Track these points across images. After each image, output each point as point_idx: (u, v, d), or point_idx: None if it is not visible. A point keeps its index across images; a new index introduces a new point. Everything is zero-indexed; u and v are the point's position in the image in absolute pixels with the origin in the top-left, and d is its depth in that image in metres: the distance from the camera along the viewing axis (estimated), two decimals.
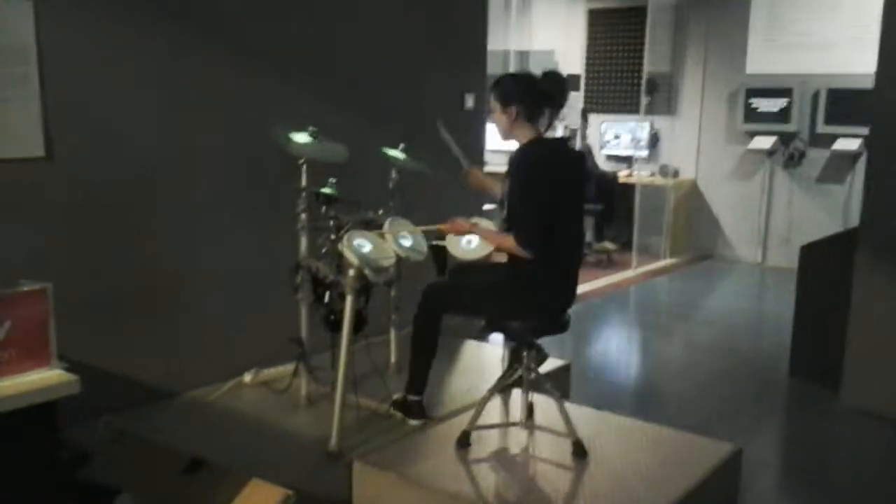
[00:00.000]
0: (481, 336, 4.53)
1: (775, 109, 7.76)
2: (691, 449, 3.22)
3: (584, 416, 3.34)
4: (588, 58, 8.95)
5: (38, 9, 3.05)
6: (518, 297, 3.04)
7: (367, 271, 3.13)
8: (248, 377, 3.76)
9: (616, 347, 5.85)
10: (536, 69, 3.27)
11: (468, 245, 3.36)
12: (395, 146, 3.77)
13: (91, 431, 3.14)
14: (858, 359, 4.26)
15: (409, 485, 2.89)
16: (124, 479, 2.87)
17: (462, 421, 3.19)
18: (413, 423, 3.32)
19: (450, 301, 3.25)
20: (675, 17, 8.36)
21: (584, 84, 8.95)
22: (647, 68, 8.04)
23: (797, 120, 7.69)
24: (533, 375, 3.16)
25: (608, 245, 8.05)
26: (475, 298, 3.21)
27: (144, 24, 3.41)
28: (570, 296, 3.12)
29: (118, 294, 3.42)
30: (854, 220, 5.83)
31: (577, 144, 8.08)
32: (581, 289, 3.23)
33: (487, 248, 3.37)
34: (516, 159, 3.04)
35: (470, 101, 5.12)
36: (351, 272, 3.12)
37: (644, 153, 8.46)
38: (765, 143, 7.82)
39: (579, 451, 3.05)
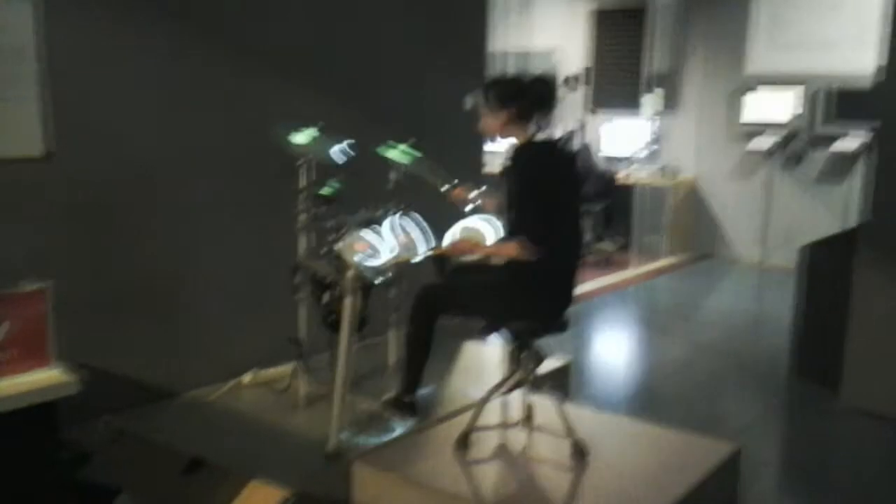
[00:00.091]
0: (480, 337, 4.52)
1: (776, 109, 7.76)
2: (691, 449, 3.22)
3: (583, 417, 3.34)
4: (589, 57, 8.94)
5: (37, 9, 3.05)
6: (517, 297, 3.04)
7: (366, 272, 3.12)
8: (247, 377, 3.76)
9: (616, 347, 5.85)
10: (537, 70, 3.27)
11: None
12: (394, 146, 3.75)
13: (91, 431, 3.14)
14: (858, 359, 4.26)
15: (409, 485, 2.89)
16: (124, 479, 2.87)
17: (462, 421, 3.19)
18: (406, 422, 3.32)
19: (448, 302, 3.25)
20: (675, 17, 8.36)
21: (585, 84, 8.94)
22: (647, 68, 8.03)
23: (797, 119, 7.68)
24: (532, 376, 3.16)
25: (607, 245, 8.05)
26: (474, 299, 3.21)
27: (144, 23, 3.42)
28: (569, 296, 3.12)
29: (118, 294, 3.43)
30: (854, 220, 5.84)
31: (577, 144, 8.08)
32: (581, 289, 3.23)
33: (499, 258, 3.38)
34: (514, 158, 3.04)
35: (470, 101, 5.10)
36: (350, 272, 3.12)
37: (644, 153, 8.46)
38: (764, 142, 7.82)
39: (579, 451, 3.05)
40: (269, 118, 3.56)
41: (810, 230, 6.64)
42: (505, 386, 3.24)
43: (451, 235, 3.44)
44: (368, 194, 3.44)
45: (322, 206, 3.36)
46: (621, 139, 8.66)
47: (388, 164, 3.68)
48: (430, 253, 3.33)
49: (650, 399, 4.57)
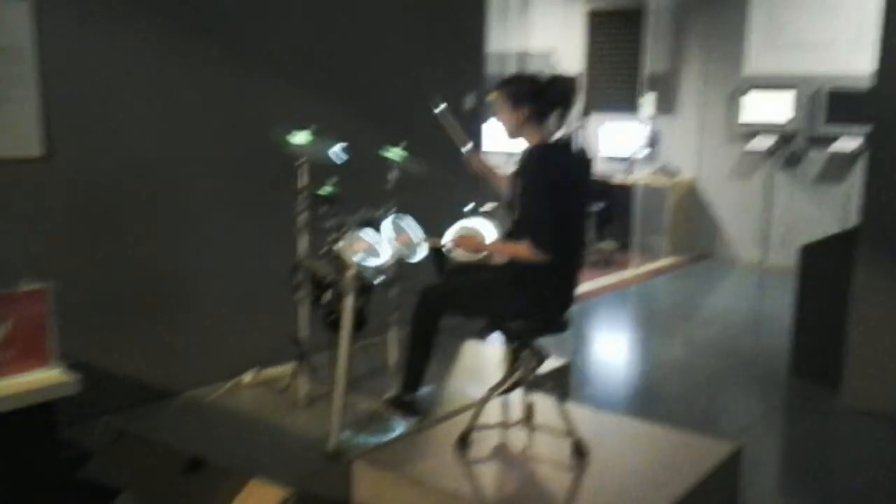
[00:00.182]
0: (481, 336, 4.52)
1: (774, 110, 7.76)
2: (691, 448, 3.23)
3: (584, 416, 3.34)
4: (586, 59, 8.94)
5: (36, 9, 3.05)
6: (518, 297, 3.04)
7: (365, 271, 3.12)
8: (247, 377, 3.76)
9: (616, 347, 5.85)
10: (535, 70, 3.27)
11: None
12: (392, 147, 3.76)
13: (91, 431, 3.14)
14: (858, 359, 4.26)
15: (409, 485, 2.89)
16: (124, 479, 2.87)
17: (462, 421, 3.19)
18: (407, 422, 3.31)
19: (449, 302, 3.25)
20: (673, 18, 8.36)
21: (583, 85, 8.94)
22: (644, 69, 8.04)
23: (796, 120, 7.69)
24: (532, 376, 3.16)
25: (607, 245, 8.06)
26: (475, 299, 3.21)
27: (144, 23, 3.41)
28: (569, 297, 3.12)
29: (118, 294, 3.42)
30: (853, 220, 5.84)
31: (577, 145, 8.07)
32: (581, 289, 3.22)
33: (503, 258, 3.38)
34: (525, 161, 3.04)
35: (469, 102, 5.11)
36: (350, 272, 3.12)
37: (643, 154, 8.46)
38: (764, 143, 7.83)
39: (579, 450, 3.06)
40: (269, 118, 3.55)
41: (810, 230, 6.66)
42: (505, 385, 3.24)
43: (451, 235, 3.44)
44: (368, 194, 3.45)
45: (322, 206, 3.35)
46: (619, 140, 8.66)
47: (388, 164, 3.68)
48: (435, 246, 3.32)
49: (650, 399, 4.57)
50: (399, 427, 3.31)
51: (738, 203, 8.21)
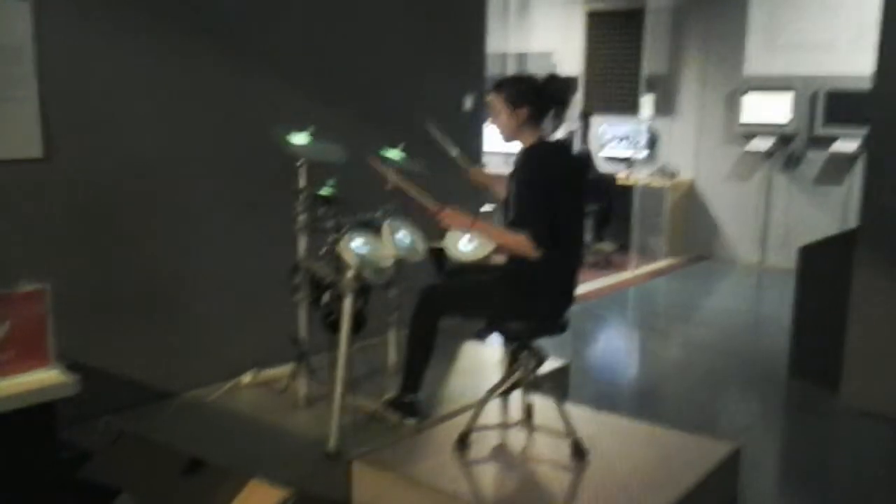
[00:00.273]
0: (480, 337, 4.52)
1: (774, 110, 7.77)
2: (691, 449, 3.23)
3: (583, 417, 3.34)
4: (586, 59, 8.95)
5: (36, 9, 3.05)
6: (517, 298, 3.04)
7: (365, 272, 3.13)
8: (247, 377, 3.76)
9: (615, 348, 5.85)
10: (535, 71, 3.27)
11: (467, 246, 3.35)
12: (393, 147, 3.76)
13: (91, 431, 3.14)
14: (858, 359, 4.26)
15: (409, 485, 2.89)
16: (124, 479, 2.86)
17: (461, 421, 3.19)
18: (406, 422, 3.32)
19: (449, 302, 3.25)
20: (673, 19, 8.37)
21: (583, 86, 8.94)
22: (644, 70, 8.05)
23: (795, 121, 7.70)
24: (532, 376, 3.16)
25: (606, 246, 8.06)
26: (474, 299, 3.21)
27: (144, 23, 3.42)
28: (569, 297, 3.12)
29: (118, 294, 3.42)
30: (852, 221, 5.85)
31: (576, 146, 8.09)
32: (580, 289, 3.22)
33: (486, 249, 3.37)
34: (522, 161, 3.04)
35: (469, 103, 5.12)
36: (349, 273, 3.12)
37: (642, 154, 8.47)
38: (763, 144, 7.83)
39: (578, 451, 3.06)
40: (269, 118, 3.56)
41: (809, 231, 6.66)
42: (504, 386, 3.24)
43: (451, 237, 3.44)
44: (368, 195, 3.44)
45: (321, 207, 3.36)
46: (619, 141, 8.67)
47: (388, 164, 3.68)
48: (429, 205, 3.29)
49: (649, 399, 4.58)
50: (399, 427, 3.30)
51: (738, 204, 8.21)
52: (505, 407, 3.49)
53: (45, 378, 2.43)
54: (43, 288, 2.45)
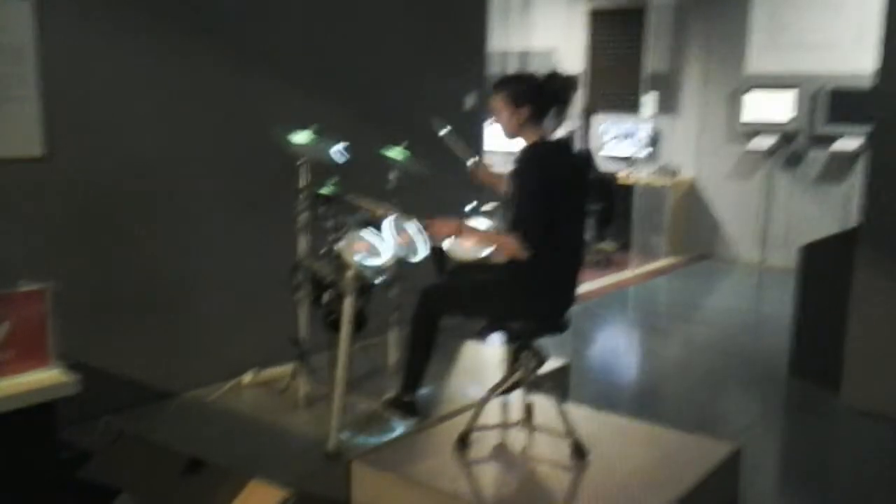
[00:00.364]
0: (481, 337, 4.52)
1: (775, 109, 7.76)
2: (691, 449, 3.22)
3: (583, 417, 3.34)
4: (588, 58, 8.94)
5: (37, 9, 3.05)
6: (518, 297, 3.04)
7: (365, 272, 3.12)
8: (247, 377, 3.76)
9: (615, 348, 5.85)
10: (537, 69, 3.26)
11: (466, 244, 3.34)
12: (394, 146, 3.76)
13: (91, 431, 3.14)
14: (858, 359, 4.26)
15: (409, 485, 2.89)
16: (124, 479, 2.87)
17: (461, 421, 3.19)
18: (407, 422, 3.32)
19: (449, 302, 3.25)
20: (675, 18, 8.36)
21: (585, 84, 8.94)
22: (646, 68, 8.05)
23: (797, 120, 7.69)
24: (532, 376, 3.16)
25: (607, 245, 8.06)
26: (475, 299, 3.20)
27: (144, 24, 3.42)
28: (570, 297, 3.12)
29: (118, 294, 3.43)
30: (854, 220, 5.84)
31: (577, 145, 8.09)
32: (580, 289, 3.22)
33: (486, 249, 3.36)
34: (522, 159, 3.03)
35: (470, 102, 5.11)
36: (350, 272, 3.12)
37: (644, 153, 8.46)
38: (764, 143, 7.82)
39: (578, 451, 3.05)
40: (269, 118, 3.56)
41: (810, 230, 6.65)
42: (505, 386, 3.24)
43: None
44: (368, 194, 3.45)
45: (322, 206, 3.35)
46: (620, 140, 8.67)
47: (389, 163, 3.68)
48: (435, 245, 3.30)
49: (650, 399, 4.57)
50: (399, 427, 3.31)
51: (739, 203, 8.21)
52: (505, 407, 3.49)
53: (45, 378, 2.44)
54: (43, 288, 2.46)
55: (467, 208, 3.51)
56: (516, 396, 3.31)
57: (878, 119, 4.20)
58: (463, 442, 3.11)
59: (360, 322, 3.23)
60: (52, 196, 3.18)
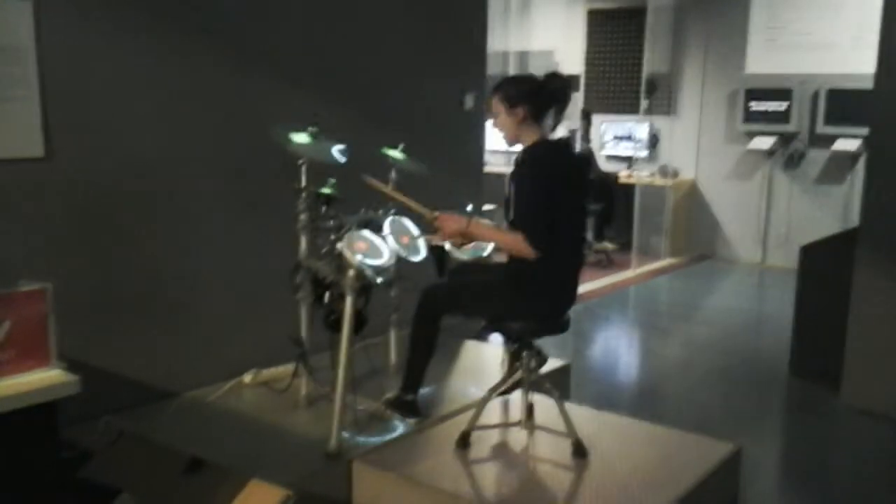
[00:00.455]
0: (481, 336, 4.53)
1: (775, 110, 7.76)
2: (691, 448, 3.22)
3: (584, 416, 3.34)
4: (588, 58, 8.95)
5: (36, 9, 3.05)
6: (518, 297, 3.04)
7: (366, 271, 3.12)
8: (248, 377, 3.76)
9: (616, 347, 5.85)
10: (536, 70, 3.26)
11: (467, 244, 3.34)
12: (394, 146, 3.77)
13: (91, 431, 3.14)
14: (858, 359, 4.26)
15: (409, 485, 2.89)
16: (124, 479, 2.87)
17: (462, 421, 3.19)
18: (407, 422, 3.31)
19: (450, 302, 3.25)
20: (674, 18, 8.36)
21: (584, 85, 8.95)
22: (646, 69, 8.05)
23: (797, 120, 7.69)
24: (533, 376, 3.16)
25: (607, 245, 8.06)
26: (475, 299, 3.20)
27: (144, 23, 3.41)
28: (570, 297, 3.12)
29: (118, 294, 3.42)
30: (854, 220, 5.84)
31: (578, 145, 8.09)
32: (581, 289, 3.22)
33: (487, 248, 3.36)
34: (522, 160, 3.03)
35: (470, 102, 5.12)
36: (351, 272, 3.12)
37: (644, 153, 8.47)
38: (764, 143, 7.82)
39: (579, 451, 3.05)
40: (269, 118, 3.55)
41: (810, 230, 6.65)
42: (505, 386, 3.24)
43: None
44: (368, 194, 3.44)
45: (322, 206, 3.35)
46: (620, 140, 8.67)
47: (389, 163, 3.69)
48: (424, 213, 3.24)
49: (650, 399, 4.57)
50: (399, 427, 3.30)
51: (739, 203, 8.21)
52: (506, 406, 3.49)
53: (45, 378, 2.44)
54: (44, 288, 2.46)
55: (468, 208, 3.50)
56: (517, 396, 3.31)
57: (877, 119, 4.20)
58: (464, 441, 3.11)
59: (360, 322, 3.23)
60: (52, 196, 3.18)
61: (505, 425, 3.31)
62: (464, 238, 3.13)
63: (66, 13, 3.17)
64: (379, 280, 3.20)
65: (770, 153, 7.86)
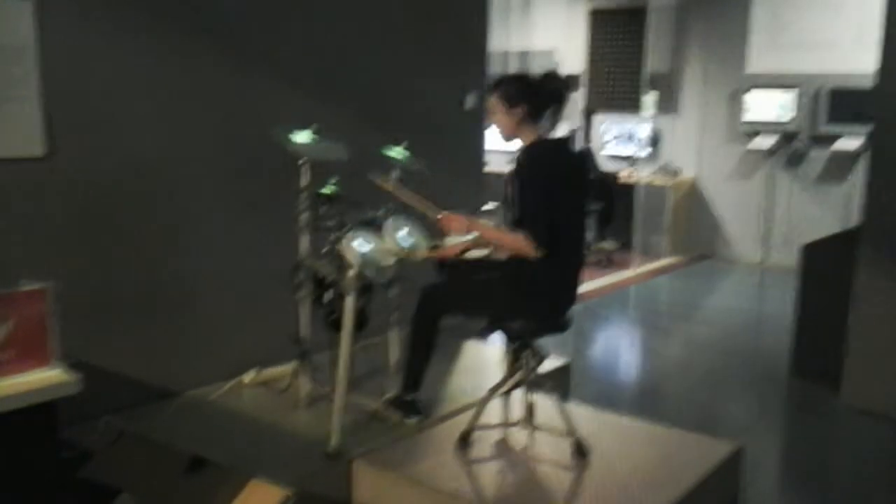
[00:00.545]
0: (481, 336, 4.52)
1: (776, 109, 7.76)
2: (692, 448, 3.22)
3: (584, 416, 3.34)
4: (589, 58, 8.94)
5: (37, 9, 3.05)
6: (518, 297, 3.04)
7: (367, 271, 3.12)
8: (248, 377, 3.76)
9: (616, 347, 5.85)
10: (537, 69, 3.26)
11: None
12: (394, 146, 3.76)
13: (91, 431, 3.14)
14: (858, 359, 4.26)
15: (409, 485, 2.89)
16: (124, 479, 2.87)
17: (462, 421, 3.19)
18: (408, 421, 3.31)
19: (450, 301, 3.25)
20: (675, 17, 8.36)
21: (585, 84, 8.94)
22: (646, 68, 8.05)
23: (798, 119, 7.69)
24: (533, 375, 3.16)
25: (607, 245, 8.06)
26: (475, 299, 3.20)
27: (144, 24, 3.41)
28: (571, 296, 3.12)
29: (118, 294, 3.43)
30: (855, 219, 5.84)
31: (579, 145, 8.09)
32: (581, 288, 3.22)
33: (486, 248, 3.36)
34: (522, 159, 3.03)
35: (470, 102, 5.11)
36: (351, 272, 3.12)
37: (644, 153, 8.46)
38: (765, 142, 7.82)
39: (579, 450, 3.06)
40: (269, 118, 3.56)
41: (811, 230, 6.65)
42: (505, 385, 3.24)
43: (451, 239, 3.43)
44: (369, 194, 3.44)
45: (323, 205, 3.35)
46: (621, 139, 8.67)
47: (389, 163, 3.68)
48: (430, 211, 3.24)
49: (650, 399, 4.57)
50: (399, 427, 3.30)
51: (740, 202, 8.21)
52: (506, 406, 3.49)
53: (46, 377, 2.44)
54: (44, 287, 2.46)
55: (486, 207, 3.50)
56: (517, 396, 3.31)
57: (878, 119, 4.20)
58: (464, 441, 3.11)
59: (360, 321, 3.23)
60: (52, 196, 3.18)
61: (505, 425, 3.31)
62: (467, 232, 3.15)
63: (67, 13, 3.17)
64: (379, 280, 3.20)
65: (771, 153, 7.86)
